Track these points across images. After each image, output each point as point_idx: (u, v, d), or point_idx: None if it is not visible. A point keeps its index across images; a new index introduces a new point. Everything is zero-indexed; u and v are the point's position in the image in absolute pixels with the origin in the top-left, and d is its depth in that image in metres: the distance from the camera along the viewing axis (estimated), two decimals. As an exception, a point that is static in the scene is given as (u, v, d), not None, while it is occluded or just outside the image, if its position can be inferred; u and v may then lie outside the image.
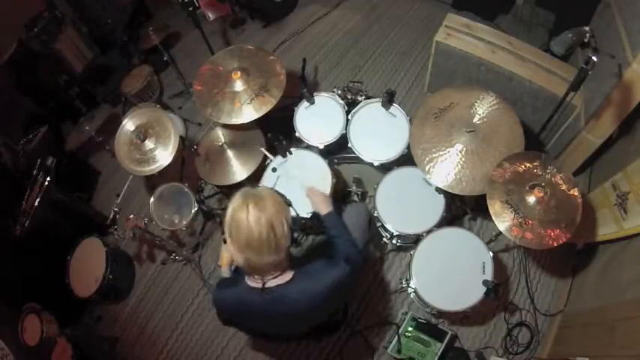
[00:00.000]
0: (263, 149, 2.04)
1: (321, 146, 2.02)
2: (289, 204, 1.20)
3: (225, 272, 1.40)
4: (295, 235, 1.17)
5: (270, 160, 2.04)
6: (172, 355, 2.28)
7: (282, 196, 1.20)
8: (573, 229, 1.52)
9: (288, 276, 1.19)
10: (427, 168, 1.76)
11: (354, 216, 1.79)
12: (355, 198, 2.27)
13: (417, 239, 1.87)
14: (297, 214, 1.88)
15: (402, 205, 1.90)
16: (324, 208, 1.51)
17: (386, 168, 1.97)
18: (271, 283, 1.17)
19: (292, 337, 1.92)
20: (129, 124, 2.11)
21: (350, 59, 3.13)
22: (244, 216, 1.08)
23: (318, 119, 2.10)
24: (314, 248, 2.28)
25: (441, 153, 1.75)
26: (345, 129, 2.02)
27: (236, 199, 1.13)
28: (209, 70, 2.12)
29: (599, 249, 1.93)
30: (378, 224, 1.97)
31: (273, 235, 1.09)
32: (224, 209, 2.47)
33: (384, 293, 2.18)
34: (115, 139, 2.10)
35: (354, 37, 3.25)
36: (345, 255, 1.32)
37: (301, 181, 1.82)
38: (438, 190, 1.84)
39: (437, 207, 1.86)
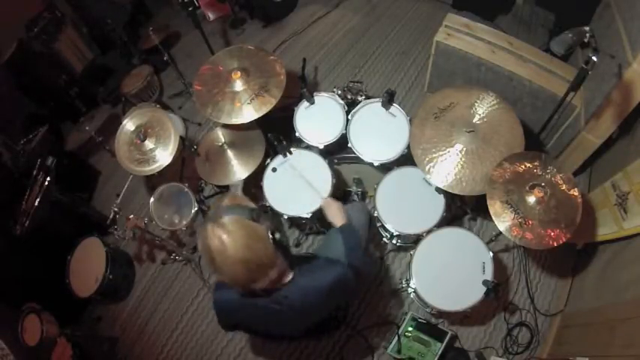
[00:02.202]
0: (270, 136, 1.97)
1: (321, 146, 2.02)
2: (258, 216, 1.04)
3: None
4: (278, 236, 1.07)
5: (270, 160, 2.04)
6: (172, 355, 2.28)
7: (246, 209, 1.04)
8: (573, 229, 1.51)
9: (289, 276, 1.19)
10: (427, 168, 1.75)
11: (354, 216, 1.79)
12: (355, 198, 2.27)
13: (417, 239, 1.87)
14: (297, 215, 1.90)
15: (402, 205, 1.90)
16: (339, 221, 1.53)
17: (386, 168, 1.97)
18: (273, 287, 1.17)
19: (294, 336, 1.92)
20: (129, 124, 2.11)
21: (350, 59, 3.13)
22: (219, 260, 0.98)
23: (318, 119, 2.10)
24: (314, 248, 2.29)
25: (441, 153, 1.75)
26: (345, 129, 2.02)
27: (201, 241, 1.01)
28: (209, 70, 2.12)
29: (599, 249, 1.93)
30: (378, 224, 1.97)
31: (255, 267, 1.02)
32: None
33: (384, 293, 2.18)
34: (115, 139, 2.10)
35: (354, 37, 3.25)
36: (347, 257, 1.32)
37: (301, 181, 1.82)
38: (438, 190, 1.84)
39: (437, 207, 1.86)
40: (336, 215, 1.56)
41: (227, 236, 0.98)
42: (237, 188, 1.91)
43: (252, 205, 1.09)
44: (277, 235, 1.07)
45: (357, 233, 1.48)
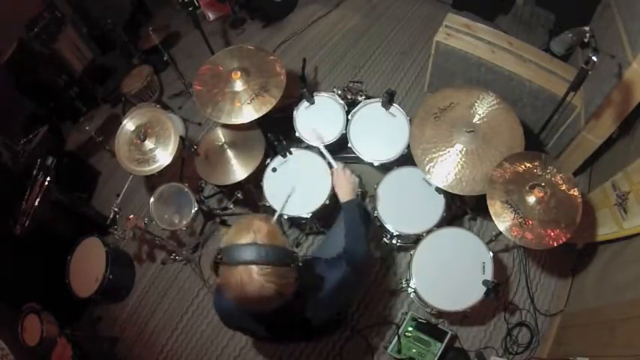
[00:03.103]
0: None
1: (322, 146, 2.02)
2: (295, 260, 1.06)
3: None
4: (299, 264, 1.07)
5: (270, 160, 2.04)
6: (172, 355, 2.28)
7: (291, 253, 1.05)
8: (573, 229, 1.51)
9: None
10: (427, 168, 1.76)
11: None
12: (355, 198, 2.26)
13: (417, 239, 1.87)
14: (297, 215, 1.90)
15: (402, 205, 1.90)
16: (347, 195, 1.46)
17: (386, 168, 1.97)
18: None
19: (295, 339, 1.92)
20: (129, 124, 2.10)
21: (350, 59, 3.13)
22: (250, 297, 0.97)
23: (318, 119, 2.10)
24: (314, 249, 2.29)
25: (441, 153, 1.75)
26: (345, 129, 2.02)
27: (239, 279, 0.96)
28: (209, 70, 2.11)
29: (599, 249, 1.93)
30: (378, 224, 1.97)
31: (279, 301, 1.02)
32: (224, 209, 2.50)
33: (384, 293, 2.18)
34: (115, 139, 2.10)
35: (354, 37, 3.25)
36: (349, 252, 1.31)
37: (301, 181, 1.82)
38: (438, 190, 1.84)
39: (437, 207, 1.86)
40: (344, 188, 1.47)
41: (268, 284, 0.97)
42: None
43: (289, 245, 1.08)
44: (299, 264, 1.06)
45: (358, 214, 1.42)
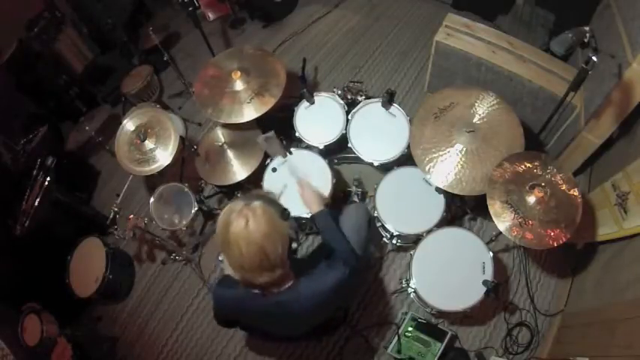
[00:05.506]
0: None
1: (321, 146, 2.02)
2: (286, 217, 1.09)
3: (228, 268, 1.39)
4: (294, 246, 1.10)
5: (270, 160, 2.04)
6: (172, 355, 2.28)
7: (279, 206, 1.10)
8: (573, 229, 1.51)
9: (289, 283, 1.18)
10: (427, 168, 1.76)
11: (354, 216, 1.79)
12: (355, 198, 2.26)
13: (417, 239, 1.87)
14: (297, 215, 1.90)
15: (402, 205, 1.90)
16: (315, 207, 1.51)
17: (386, 168, 1.97)
18: (272, 289, 1.17)
19: (293, 338, 1.92)
20: (129, 124, 2.11)
21: (350, 59, 3.13)
22: (234, 238, 1.01)
23: (318, 119, 2.10)
24: (314, 248, 2.29)
25: (441, 153, 1.75)
26: (345, 129, 2.02)
27: (226, 214, 1.04)
28: (211, 71, 2.11)
29: (599, 249, 1.93)
30: (378, 224, 1.97)
31: (266, 258, 1.02)
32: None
33: (384, 293, 2.18)
34: (115, 139, 2.10)
35: (354, 37, 3.25)
36: (342, 257, 1.32)
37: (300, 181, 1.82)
38: (438, 190, 1.84)
39: (437, 207, 1.86)
40: (310, 201, 1.53)
41: (253, 220, 1.00)
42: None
43: (285, 207, 1.13)
44: (294, 245, 1.10)
45: (331, 221, 1.46)
